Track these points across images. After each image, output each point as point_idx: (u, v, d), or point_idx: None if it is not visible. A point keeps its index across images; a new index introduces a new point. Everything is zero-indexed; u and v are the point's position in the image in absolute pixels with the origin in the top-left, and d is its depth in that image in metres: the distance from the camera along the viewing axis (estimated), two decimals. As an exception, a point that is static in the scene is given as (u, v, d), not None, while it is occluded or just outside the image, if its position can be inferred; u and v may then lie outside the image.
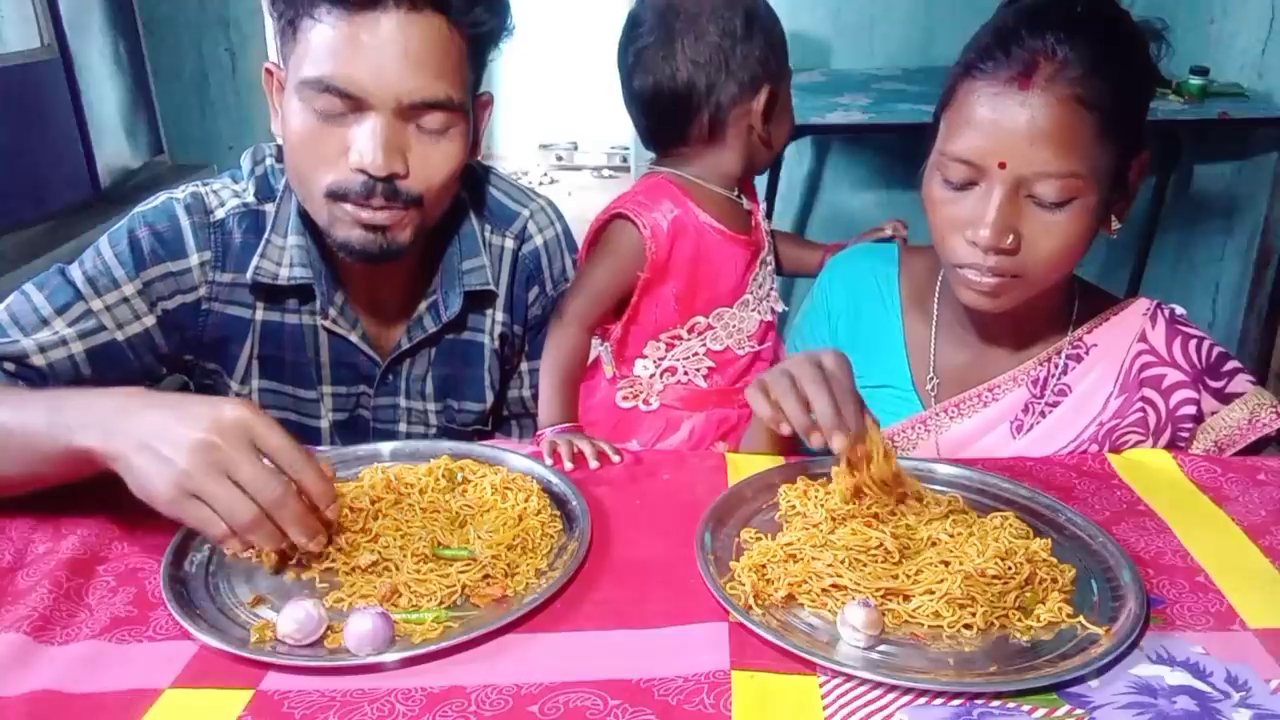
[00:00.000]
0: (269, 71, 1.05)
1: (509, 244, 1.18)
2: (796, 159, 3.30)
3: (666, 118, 1.27)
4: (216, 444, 0.74)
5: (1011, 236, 0.92)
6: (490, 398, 1.21)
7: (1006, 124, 0.90)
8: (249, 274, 1.08)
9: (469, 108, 1.04)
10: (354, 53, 0.94)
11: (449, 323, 1.15)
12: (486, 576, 0.80)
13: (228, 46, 3.47)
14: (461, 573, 0.79)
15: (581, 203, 1.76)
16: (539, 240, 1.20)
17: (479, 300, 1.17)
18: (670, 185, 1.27)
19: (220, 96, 3.53)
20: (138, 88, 4.94)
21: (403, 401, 1.19)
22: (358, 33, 0.94)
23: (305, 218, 1.09)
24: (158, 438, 0.75)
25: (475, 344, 1.19)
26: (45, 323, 1.03)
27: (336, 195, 1.00)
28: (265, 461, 0.76)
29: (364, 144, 0.97)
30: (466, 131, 1.04)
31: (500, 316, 1.19)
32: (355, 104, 0.96)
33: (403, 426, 1.20)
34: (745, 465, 0.98)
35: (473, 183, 1.18)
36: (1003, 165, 0.91)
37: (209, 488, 0.74)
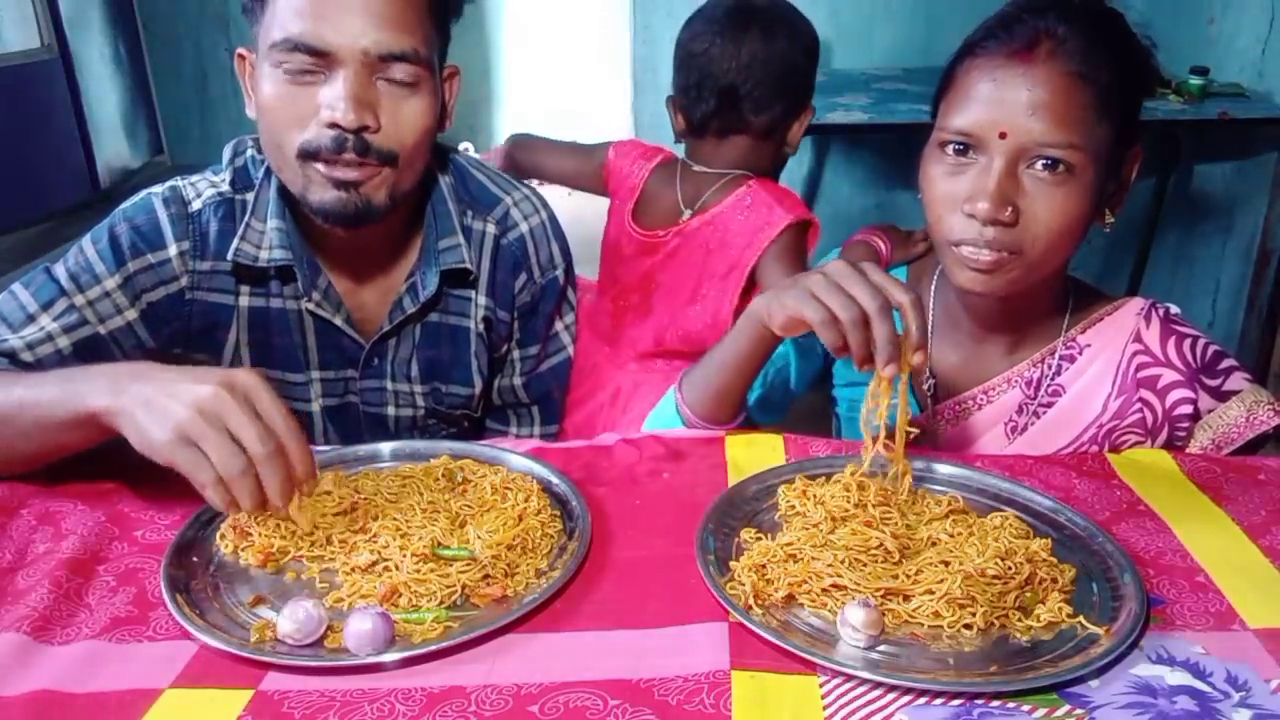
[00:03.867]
0: (241, 57, 1.08)
1: (490, 229, 1.19)
2: (796, 159, 3.29)
3: (752, 105, 1.45)
4: (223, 397, 0.78)
5: (1010, 209, 0.93)
6: (479, 382, 1.21)
7: (1008, 95, 0.92)
8: (229, 254, 1.10)
9: (435, 68, 1.06)
10: (320, 9, 0.98)
11: (431, 303, 1.16)
12: (486, 576, 0.80)
13: (227, 46, 3.47)
14: (461, 573, 0.79)
15: (581, 202, 1.76)
16: (524, 228, 1.21)
17: (458, 281, 1.17)
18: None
19: (220, 96, 3.53)
20: (138, 88, 4.94)
21: (389, 385, 1.19)
22: None
23: (285, 201, 1.10)
24: (165, 392, 0.80)
25: (461, 328, 1.19)
26: (31, 319, 1.04)
27: (308, 154, 1.02)
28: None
29: (334, 98, 0.99)
30: (435, 90, 1.06)
31: (483, 300, 1.19)
32: (324, 61, 0.99)
33: (391, 410, 1.21)
34: (745, 465, 0.98)
35: (452, 168, 1.20)
36: (1003, 135, 0.92)
37: (207, 433, 0.77)
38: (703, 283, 1.48)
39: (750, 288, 1.45)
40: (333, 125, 0.99)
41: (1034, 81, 0.91)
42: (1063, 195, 0.93)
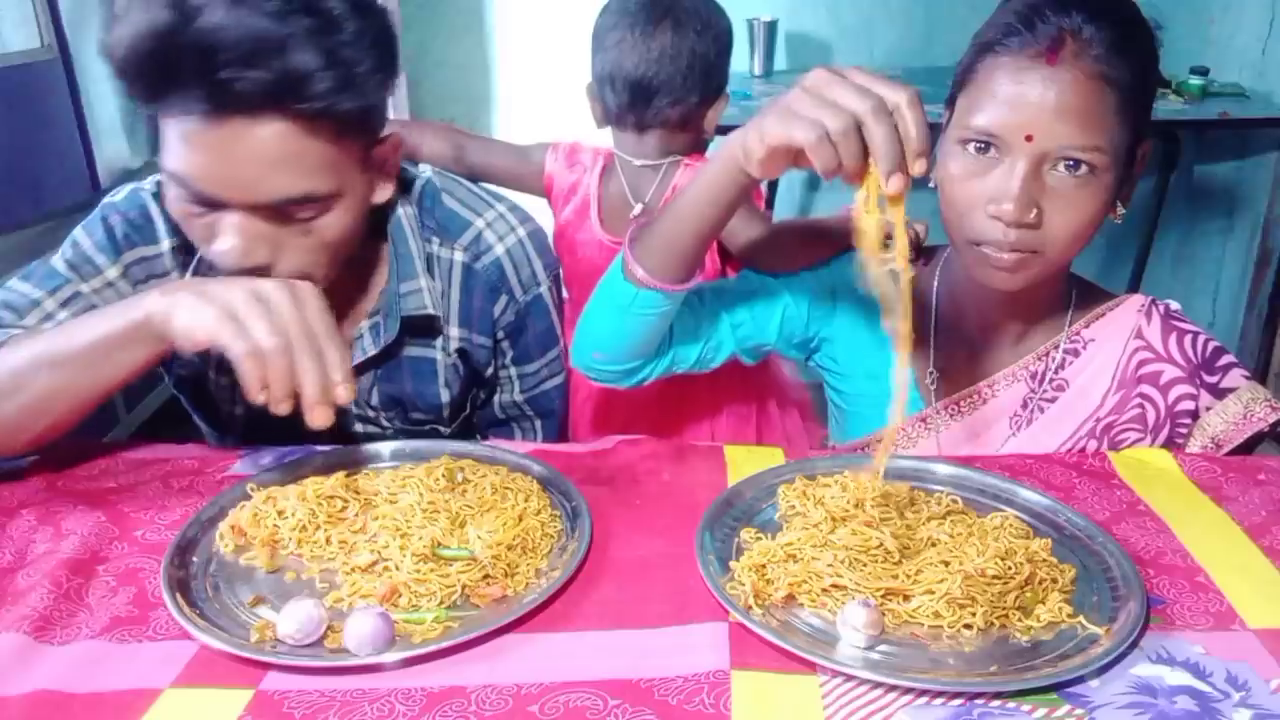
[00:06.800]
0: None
1: (458, 257, 1.13)
2: (796, 159, 3.30)
3: (665, 96, 1.44)
4: (278, 289, 0.84)
5: (1035, 211, 0.92)
6: (446, 403, 1.17)
7: (1033, 98, 0.91)
8: (188, 274, 1.09)
9: (350, 183, 0.96)
10: (202, 156, 0.87)
11: (392, 347, 1.12)
12: (486, 576, 0.80)
13: (227, 46, 3.46)
14: (461, 573, 0.79)
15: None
16: (500, 250, 1.14)
17: (423, 326, 1.13)
18: None
19: (220, 96, 3.51)
20: (138, 88, 4.92)
21: (353, 409, 1.18)
22: (204, 135, 0.86)
23: None
24: (221, 284, 0.85)
25: (425, 359, 1.15)
26: (37, 304, 1.04)
27: (221, 269, 0.96)
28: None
29: (222, 239, 0.91)
30: (349, 206, 0.96)
31: (455, 332, 1.15)
32: (213, 202, 0.91)
33: (359, 427, 1.19)
34: (745, 464, 0.98)
35: (417, 195, 1.14)
36: (1029, 139, 0.91)
37: (251, 311, 0.82)
38: None
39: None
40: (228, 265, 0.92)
41: (1060, 84, 0.90)
42: (1085, 196, 0.93)
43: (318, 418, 0.82)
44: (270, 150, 0.88)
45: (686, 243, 0.94)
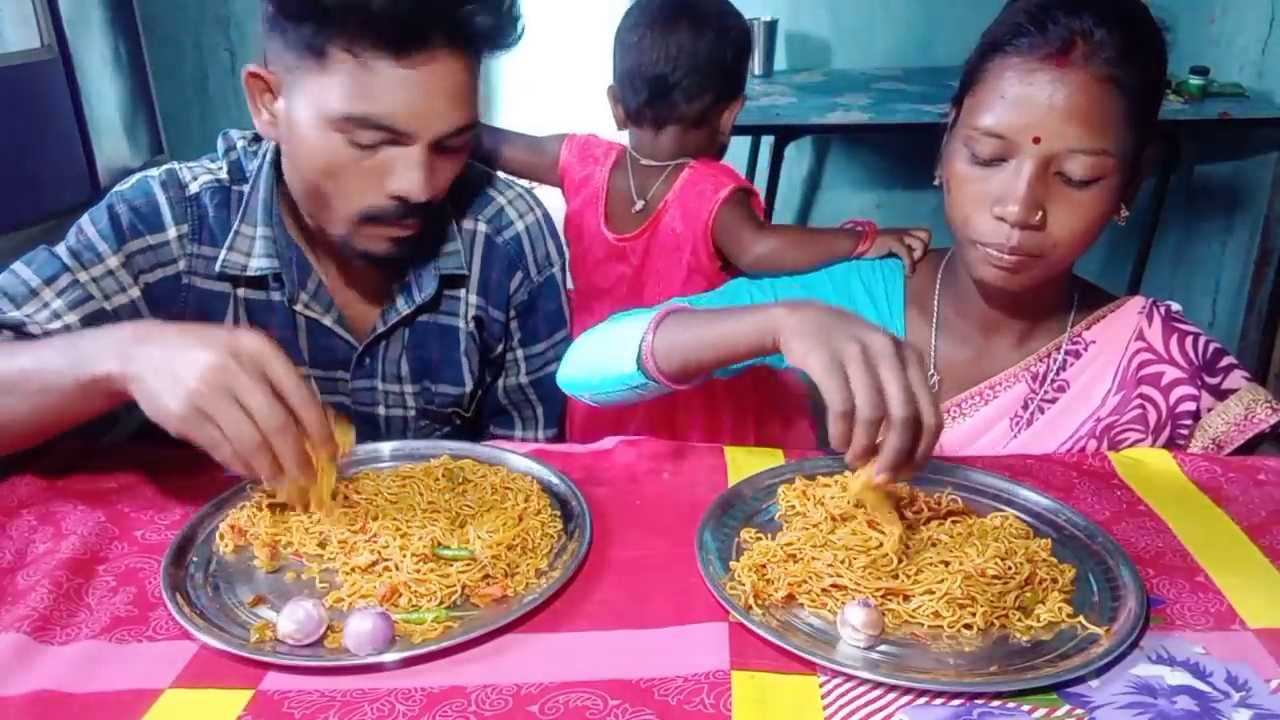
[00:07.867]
0: (257, 75, 1.03)
1: (480, 228, 1.18)
2: (796, 159, 3.30)
3: (682, 94, 1.48)
4: (231, 367, 0.77)
5: (1040, 213, 0.92)
6: (469, 381, 1.21)
7: (1042, 99, 0.90)
8: (217, 265, 1.10)
9: None
10: (403, 93, 0.97)
11: (422, 305, 1.15)
12: (486, 576, 0.80)
13: (227, 46, 3.47)
14: (461, 573, 0.79)
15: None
16: (520, 226, 1.20)
17: (451, 282, 1.17)
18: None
19: (220, 96, 3.53)
20: (138, 88, 4.93)
21: (380, 385, 1.19)
22: (406, 74, 0.96)
23: (275, 207, 1.10)
24: (174, 359, 0.78)
25: (450, 327, 1.19)
26: (34, 294, 1.03)
27: (368, 219, 1.03)
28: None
29: (409, 176, 1.00)
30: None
31: (473, 300, 1.19)
32: (397, 137, 0.99)
33: (381, 410, 1.20)
34: (745, 464, 0.98)
35: None
36: (1037, 140, 0.91)
37: (218, 407, 0.77)
38: (685, 265, 1.52)
39: (717, 248, 1.49)
40: (399, 198, 1.01)
41: (1069, 86, 0.90)
42: (1091, 200, 0.93)
43: (316, 502, 0.84)
44: (459, 84, 1.01)
45: (705, 366, 0.94)
